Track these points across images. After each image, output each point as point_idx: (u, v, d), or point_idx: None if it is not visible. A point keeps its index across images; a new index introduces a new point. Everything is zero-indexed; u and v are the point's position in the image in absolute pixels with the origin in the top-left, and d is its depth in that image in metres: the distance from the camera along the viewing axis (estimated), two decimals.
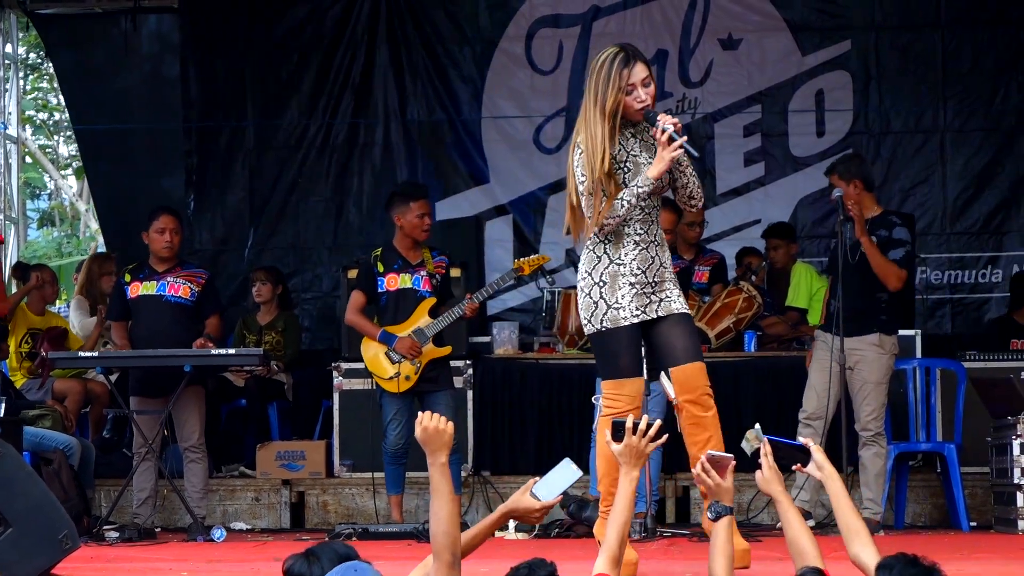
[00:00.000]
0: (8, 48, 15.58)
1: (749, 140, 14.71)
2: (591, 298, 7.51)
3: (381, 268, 11.04)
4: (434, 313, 11.01)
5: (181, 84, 15.21)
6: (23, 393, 12.13)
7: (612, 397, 7.56)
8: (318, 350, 14.01)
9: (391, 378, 10.97)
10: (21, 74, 16.47)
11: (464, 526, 10.32)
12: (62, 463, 10.79)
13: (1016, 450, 10.26)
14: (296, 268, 14.91)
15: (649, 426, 6.16)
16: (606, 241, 7.50)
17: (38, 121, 24.52)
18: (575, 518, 10.53)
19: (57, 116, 23.06)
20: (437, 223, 14.42)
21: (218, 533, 10.81)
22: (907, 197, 14.60)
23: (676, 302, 7.54)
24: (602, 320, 7.48)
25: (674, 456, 11.13)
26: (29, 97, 21.70)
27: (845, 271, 10.44)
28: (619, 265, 7.47)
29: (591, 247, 7.55)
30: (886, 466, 10.63)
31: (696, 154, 7.45)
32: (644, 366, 7.76)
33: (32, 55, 19.43)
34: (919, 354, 11.91)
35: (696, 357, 7.54)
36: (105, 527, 10.61)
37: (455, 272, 12.21)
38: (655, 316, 7.50)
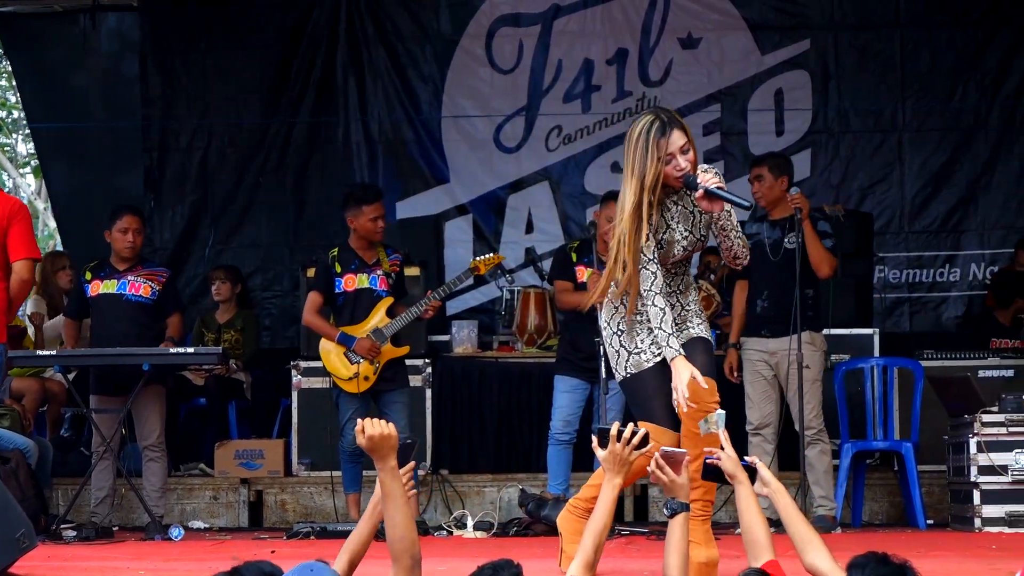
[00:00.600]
0: None
1: (708, 139, 14.73)
2: (613, 347, 7.53)
3: (339, 269, 11.03)
4: (391, 313, 11.00)
5: (140, 82, 15.18)
6: None
7: (653, 437, 7.49)
8: (277, 349, 14.00)
9: (350, 378, 10.94)
10: None
11: (422, 525, 10.36)
12: (20, 462, 10.73)
13: (972, 448, 10.30)
14: (256, 267, 14.90)
15: (634, 434, 6.18)
16: (627, 294, 7.44)
17: None
18: (533, 516, 10.54)
19: (16, 114, 22.99)
20: (397, 222, 14.53)
21: (176, 532, 10.78)
22: (865, 196, 14.65)
23: (696, 329, 7.52)
24: (627, 367, 7.47)
25: None
26: None
27: (769, 271, 10.48)
28: (643, 316, 7.43)
29: (610, 297, 7.51)
30: (831, 461, 10.65)
31: (746, 204, 7.32)
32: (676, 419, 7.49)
33: None
34: (877, 352, 11.97)
35: (710, 374, 7.41)
36: (62, 526, 10.56)
37: (414, 271, 12.24)
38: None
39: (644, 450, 6.23)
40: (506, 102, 15.06)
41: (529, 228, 14.90)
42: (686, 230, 7.44)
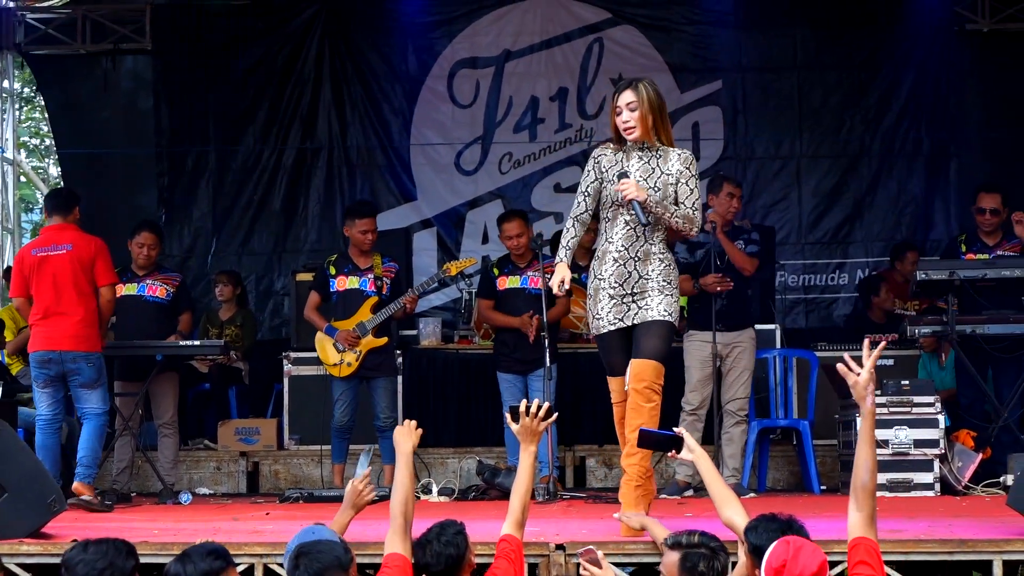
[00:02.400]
0: (6, 84, 15.45)
1: None
2: (588, 309, 7.61)
3: (333, 271, 11.21)
4: (376, 310, 11.06)
5: (154, 115, 15.12)
6: (18, 379, 12.04)
7: (612, 390, 7.63)
8: (271, 341, 13.97)
9: (335, 364, 11.04)
10: (17, 106, 16.28)
11: (388, 494, 10.33)
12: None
13: (859, 425, 10.32)
14: (253, 272, 14.84)
15: (540, 408, 6.21)
16: (595, 260, 7.55)
17: (31, 146, 24.31)
18: (489, 483, 10.55)
19: (48, 142, 22.85)
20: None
21: (185, 497, 10.78)
22: (768, 213, 14.68)
23: (654, 310, 7.39)
24: (591, 328, 7.62)
25: (571, 431, 11.18)
26: (24, 125, 21.56)
27: (720, 274, 10.51)
28: (600, 280, 7.48)
29: (592, 264, 7.59)
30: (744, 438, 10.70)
31: (644, 221, 7.35)
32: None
33: (27, 89, 19.24)
34: (779, 345, 11.99)
35: (651, 356, 7.34)
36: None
37: None
38: (631, 324, 7.43)
39: (549, 421, 6.36)
40: (465, 132, 15.03)
41: (485, 239, 14.86)
42: (641, 178, 7.42)
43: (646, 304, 7.42)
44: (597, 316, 7.53)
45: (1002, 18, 14.63)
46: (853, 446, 10.24)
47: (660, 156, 7.51)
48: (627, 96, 7.47)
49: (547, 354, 10.27)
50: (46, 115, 16.47)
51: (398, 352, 12.29)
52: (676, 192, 7.49)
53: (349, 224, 11.29)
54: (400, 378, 12.18)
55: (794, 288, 14.74)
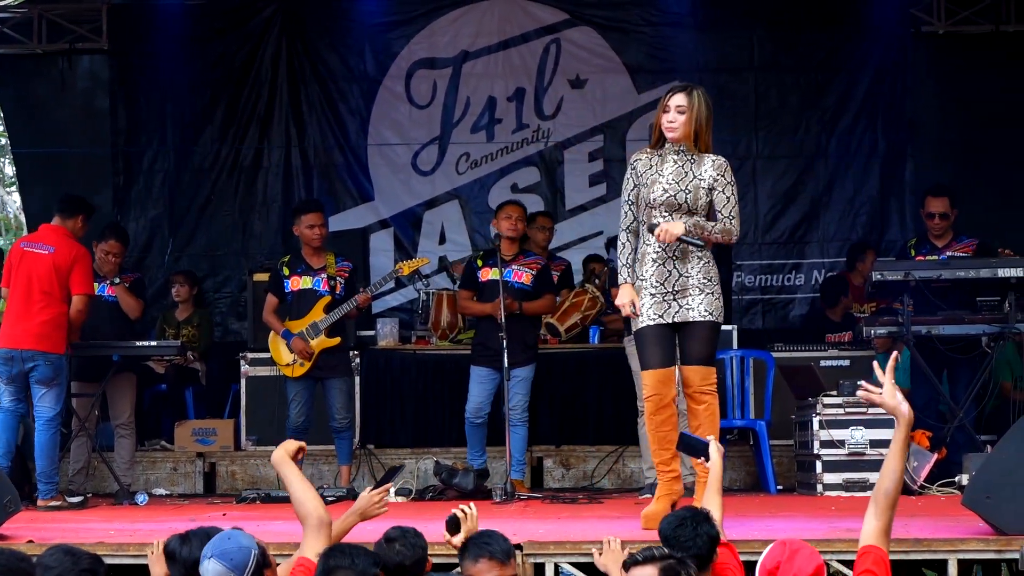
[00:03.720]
0: None
1: (593, 164, 14.76)
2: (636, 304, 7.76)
3: (287, 272, 11.24)
4: (329, 310, 11.05)
5: (110, 115, 15.04)
6: None
7: (644, 384, 7.74)
8: (228, 342, 13.94)
9: (288, 365, 11.08)
10: None
11: (353, 492, 10.32)
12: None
13: (815, 426, 10.39)
14: (209, 272, 14.78)
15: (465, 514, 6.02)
16: (636, 262, 7.76)
17: None
18: (446, 484, 10.57)
19: (3, 141, 22.75)
20: (329, 234, 14.44)
21: (141, 498, 10.76)
22: None
23: (695, 310, 7.63)
24: (634, 324, 7.80)
25: (533, 432, 11.19)
26: None
27: None
28: (642, 280, 7.70)
29: (636, 266, 7.80)
30: None
31: (700, 245, 7.61)
32: (668, 360, 7.74)
33: None
34: (735, 345, 12.01)
35: (697, 361, 7.66)
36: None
37: None
38: (672, 321, 7.64)
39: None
40: (422, 132, 15.01)
41: (442, 240, 14.87)
42: (673, 181, 7.67)
43: (688, 303, 7.66)
44: (638, 314, 7.72)
45: (958, 20, 14.71)
46: (809, 446, 10.38)
47: (695, 161, 7.77)
48: (679, 99, 7.80)
49: (505, 352, 10.28)
50: (1, 114, 16.34)
51: (355, 352, 12.33)
52: (711, 198, 7.76)
53: (296, 222, 11.34)
54: (356, 379, 12.21)
55: (751, 289, 14.77)
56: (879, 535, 5.09)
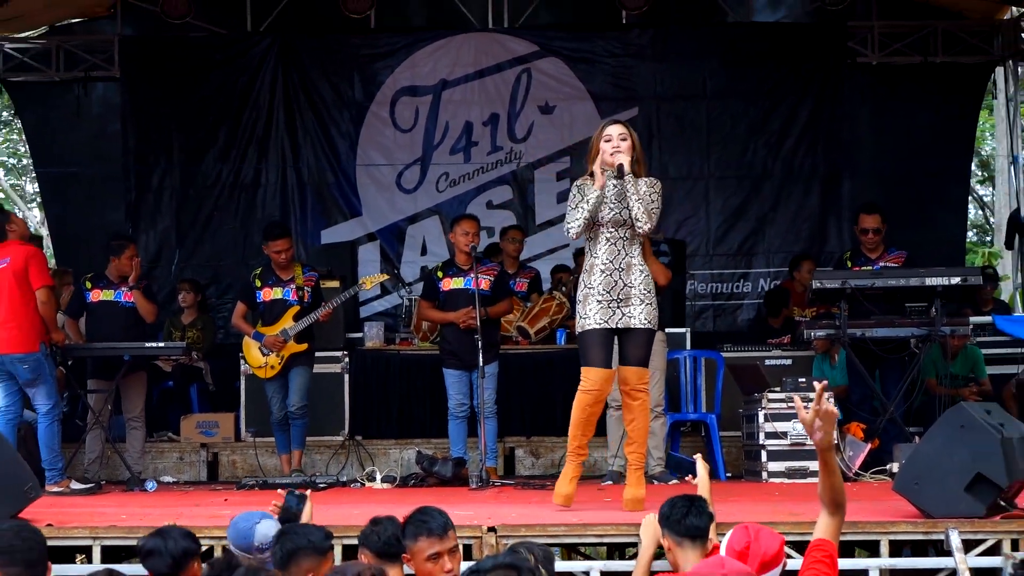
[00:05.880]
0: None
1: (561, 183, 14.73)
2: (577, 310, 7.95)
3: (259, 283, 11.29)
4: (298, 318, 11.08)
5: (122, 137, 15.01)
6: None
7: (584, 378, 7.88)
8: (229, 344, 13.85)
9: (260, 367, 11.19)
10: None
11: (336, 481, 10.30)
12: (28, 432, 10.68)
13: (761, 419, 10.41)
14: (212, 280, 14.77)
15: None
16: (584, 272, 7.94)
17: (9, 165, 24.14)
18: (427, 472, 10.57)
19: (25, 161, 22.69)
20: (321, 246, 14.64)
21: (150, 485, 10.73)
22: (680, 227, 14.75)
23: (636, 319, 7.83)
24: (578, 326, 7.92)
25: (502, 424, 11.20)
26: (2, 146, 21.44)
27: None
28: (589, 288, 7.85)
29: (581, 276, 7.97)
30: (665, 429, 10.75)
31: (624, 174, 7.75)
32: (609, 360, 7.92)
33: (5, 113, 19.11)
34: (689, 346, 12.04)
35: (636, 363, 7.87)
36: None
37: (335, 283, 12.24)
38: (615, 327, 7.82)
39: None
40: (405, 154, 15.02)
41: (424, 252, 14.88)
42: (616, 202, 7.80)
43: (630, 311, 7.83)
44: (584, 316, 7.90)
45: (890, 52, 14.84)
46: (755, 437, 10.43)
47: (629, 185, 7.80)
48: (619, 128, 7.92)
49: (480, 352, 10.28)
50: (23, 137, 16.31)
51: (344, 352, 12.35)
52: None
53: (265, 244, 11.34)
54: (346, 377, 12.25)
55: (703, 295, 14.82)
56: (827, 531, 5.02)
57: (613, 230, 7.81)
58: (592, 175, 7.87)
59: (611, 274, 7.80)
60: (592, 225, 7.84)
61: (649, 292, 7.87)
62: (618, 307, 7.78)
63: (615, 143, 7.84)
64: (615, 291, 7.78)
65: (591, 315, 7.81)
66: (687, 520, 5.40)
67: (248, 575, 4.91)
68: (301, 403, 11.14)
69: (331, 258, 14.16)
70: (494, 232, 13.78)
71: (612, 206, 7.83)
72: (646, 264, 7.97)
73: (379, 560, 5.38)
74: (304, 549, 5.30)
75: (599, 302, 7.79)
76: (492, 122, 15.03)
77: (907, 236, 12.40)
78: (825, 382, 4.95)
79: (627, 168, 7.74)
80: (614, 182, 7.83)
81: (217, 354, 13.39)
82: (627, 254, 7.84)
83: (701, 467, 6.55)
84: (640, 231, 7.82)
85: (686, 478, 6.73)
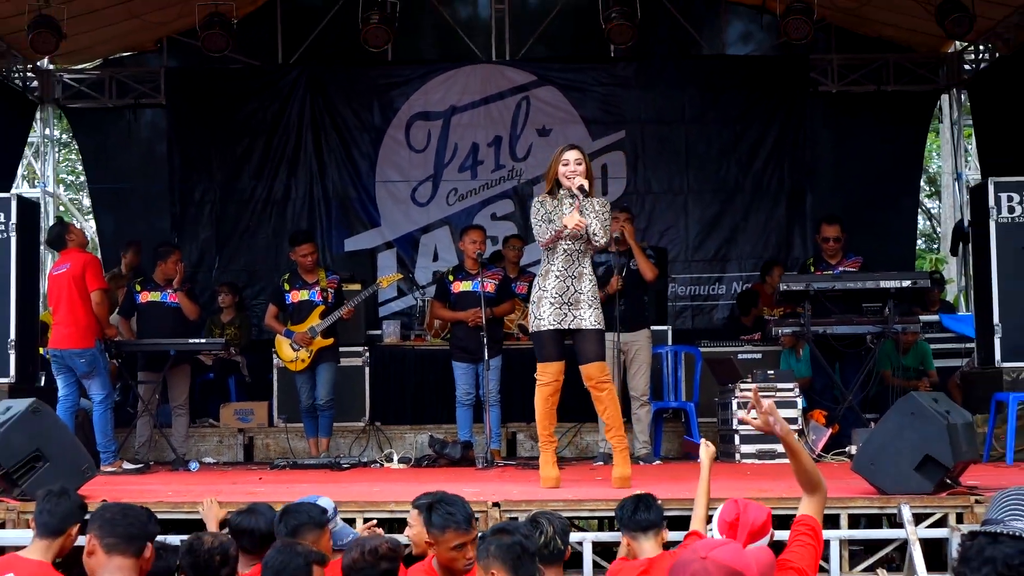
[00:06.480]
0: (47, 131, 15.37)
1: None
2: (531, 311, 7.98)
3: (287, 287, 11.30)
4: (324, 316, 11.08)
5: (167, 157, 15.02)
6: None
7: (541, 372, 7.95)
8: (263, 340, 13.84)
9: (291, 361, 11.18)
10: (56, 149, 16.16)
11: (358, 461, 10.29)
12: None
13: (734, 406, 10.41)
14: (248, 283, 14.76)
15: None
16: (539, 276, 7.97)
17: (68, 181, 24.11)
18: (439, 453, 10.58)
19: (81, 178, 22.66)
20: (345, 253, 14.62)
21: (193, 465, 10.74)
22: (662, 236, 14.75)
23: (587, 320, 7.86)
24: (533, 326, 7.96)
25: (505, 412, 11.20)
26: (62, 164, 21.39)
27: (623, 285, 10.54)
28: (544, 291, 7.88)
29: (537, 279, 8.01)
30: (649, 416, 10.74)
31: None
32: (561, 355, 7.96)
33: (64, 136, 19.07)
34: (670, 342, 12.04)
35: (594, 359, 7.88)
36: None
37: (356, 286, 12.23)
38: (568, 328, 7.85)
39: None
40: (419, 172, 15.01)
41: (435, 258, 14.87)
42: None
43: (579, 314, 7.84)
44: (538, 318, 7.90)
45: (847, 82, 14.87)
46: (729, 423, 10.41)
47: (585, 203, 7.84)
48: (575, 154, 7.96)
49: (486, 347, 10.28)
50: (80, 156, 16.31)
51: (365, 348, 12.34)
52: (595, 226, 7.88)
53: (291, 250, 11.38)
54: (367, 369, 12.25)
55: (683, 297, 14.82)
56: (810, 508, 4.97)
57: (570, 243, 7.84)
58: (551, 192, 7.95)
59: (564, 280, 7.83)
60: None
61: (595, 298, 7.92)
62: (569, 310, 7.81)
63: (572, 167, 7.88)
64: (566, 295, 7.82)
65: (545, 316, 7.84)
66: (636, 516, 5.49)
67: (284, 550, 4.88)
68: (328, 397, 11.15)
69: (353, 264, 14.18)
70: (498, 240, 13.78)
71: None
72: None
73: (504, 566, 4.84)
74: (306, 524, 5.41)
75: (552, 304, 7.82)
76: (496, 144, 15.02)
77: (863, 244, 12.40)
78: (756, 387, 4.89)
79: (587, 188, 7.78)
80: (570, 200, 7.85)
81: (252, 349, 13.39)
82: (580, 264, 7.89)
83: (704, 451, 6.46)
84: (597, 244, 7.89)
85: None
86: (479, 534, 5.12)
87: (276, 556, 4.76)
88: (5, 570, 5.03)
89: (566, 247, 7.84)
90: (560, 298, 7.82)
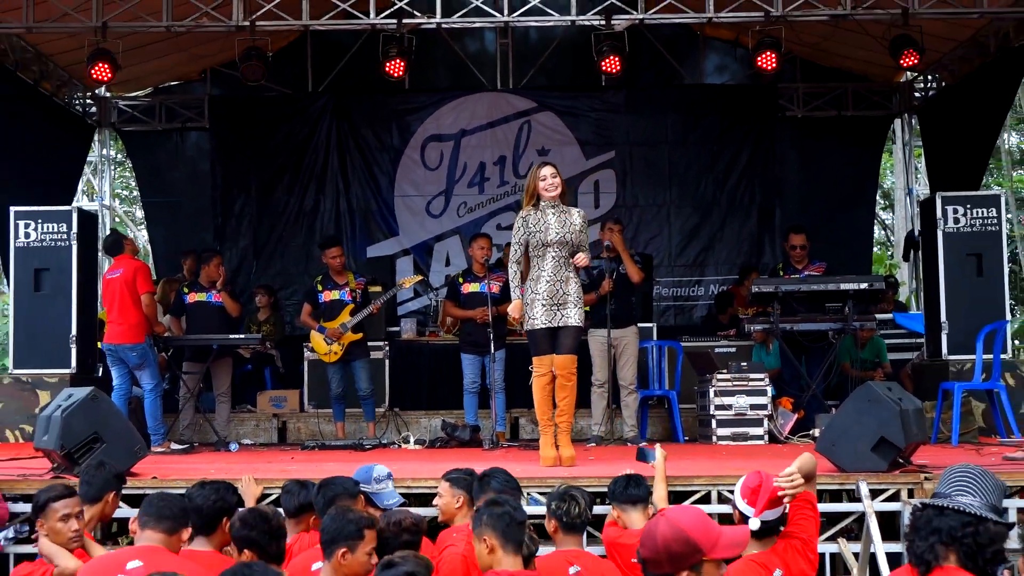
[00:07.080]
0: (104, 151, 15.38)
1: None
2: (525, 311, 8.08)
3: (320, 288, 11.26)
4: (353, 313, 11.07)
5: (211, 175, 15.06)
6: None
7: (536, 365, 8.08)
8: (295, 336, 13.85)
9: (326, 353, 11.15)
10: (112, 167, 16.16)
11: (378, 442, 10.26)
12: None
13: (711, 394, 10.40)
14: (282, 286, 14.76)
15: None
16: (531, 281, 8.08)
17: (122, 196, 24.14)
18: (450, 436, 10.55)
19: (134, 193, 22.70)
20: (366, 259, 14.61)
21: (233, 446, 10.72)
22: (648, 244, 14.75)
23: (572, 318, 8.01)
24: (527, 325, 8.07)
25: (509, 399, 11.19)
26: (117, 180, 21.46)
27: (614, 287, 10.53)
28: (536, 294, 8.03)
29: (529, 283, 8.10)
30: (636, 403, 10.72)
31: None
32: (551, 349, 8.05)
33: (119, 155, 19.10)
34: (655, 337, 12.03)
35: (568, 352, 8.00)
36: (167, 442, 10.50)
37: (378, 288, 12.21)
38: (557, 325, 8.00)
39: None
40: (433, 187, 15.02)
41: (447, 263, 14.87)
42: (559, 227, 8.03)
43: (565, 313, 8.00)
44: (532, 318, 8.03)
45: (811, 108, 14.89)
46: (707, 409, 10.40)
47: (567, 212, 8.11)
48: (551, 169, 8.15)
49: (492, 341, 10.28)
50: (133, 174, 16.32)
51: (385, 342, 12.34)
52: (578, 238, 8.09)
53: (322, 253, 11.39)
54: (386, 361, 12.24)
55: (666, 297, 14.81)
56: (808, 488, 4.94)
57: (557, 250, 8.00)
58: (535, 206, 8.09)
59: (553, 283, 7.98)
60: (538, 247, 8.05)
61: (580, 298, 8.07)
62: (557, 310, 7.96)
63: (549, 181, 8.05)
64: (556, 297, 7.97)
65: (538, 317, 7.99)
66: (627, 491, 5.55)
67: (338, 516, 4.73)
68: (368, 387, 11.18)
69: (375, 269, 14.17)
70: (502, 248, 13.77)
71: (557, 231, 8.01)
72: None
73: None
74: (340, 495, 5.43)
75: (543, 305, 7.96)
76: (500, 162, 15.03)
77: (826, 251, 12.38)
78: (789, 493, 4.75)
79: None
80: (552, 211, 8.03)
81: (286, 344, 13.39)
82: (566, 269, 8.04)
83: (659, 455, 6.55)
84: (583, 265, 8.09)
85: (650, 463, 6.70)
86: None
87: (331, 523, 4.69)
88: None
89: (554, 254, 8.02)
90: (550, 300, 7.96)
